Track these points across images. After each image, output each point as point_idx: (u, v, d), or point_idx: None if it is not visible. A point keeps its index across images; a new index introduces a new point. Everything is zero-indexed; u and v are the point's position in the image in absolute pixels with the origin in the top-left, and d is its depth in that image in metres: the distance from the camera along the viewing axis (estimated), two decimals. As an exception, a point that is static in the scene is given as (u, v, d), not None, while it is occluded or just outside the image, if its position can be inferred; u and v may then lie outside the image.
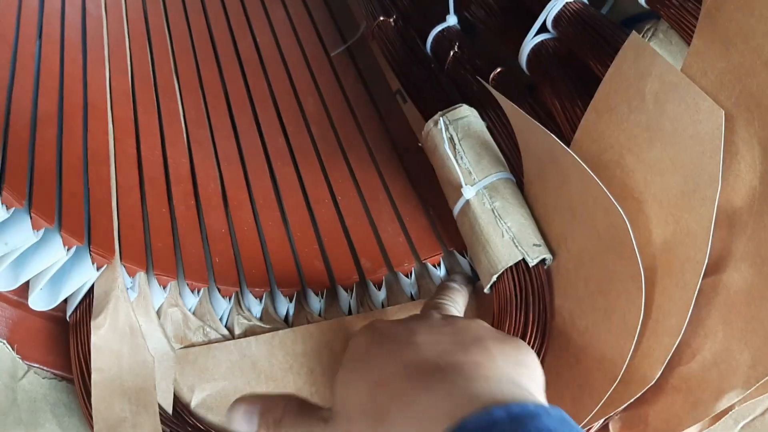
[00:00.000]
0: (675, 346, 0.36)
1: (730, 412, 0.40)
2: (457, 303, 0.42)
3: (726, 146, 0.35)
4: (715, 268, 0.38)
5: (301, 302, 0.48)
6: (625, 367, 0.37)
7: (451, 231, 0.50)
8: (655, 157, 0.36)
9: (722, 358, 0.37)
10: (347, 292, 0.48)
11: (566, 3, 0.43)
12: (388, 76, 0.62)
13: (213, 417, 0.43)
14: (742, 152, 0.34)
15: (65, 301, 0.43)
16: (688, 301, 0.35)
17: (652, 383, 0.37)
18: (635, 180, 0.37)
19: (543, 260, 0.43)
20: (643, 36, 0.40)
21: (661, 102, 0.36)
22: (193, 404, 0.43)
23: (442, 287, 0.44)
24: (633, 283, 0.36)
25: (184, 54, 0.64)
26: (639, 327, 0.36)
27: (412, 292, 0.49)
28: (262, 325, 0.46)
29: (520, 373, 0.30)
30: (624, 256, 0.36)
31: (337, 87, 0.63)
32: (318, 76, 0.64)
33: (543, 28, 0.45)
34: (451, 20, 0.54)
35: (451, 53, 0.51)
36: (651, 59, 0.37)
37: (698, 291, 0.38)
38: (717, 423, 0.42)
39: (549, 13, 0.44)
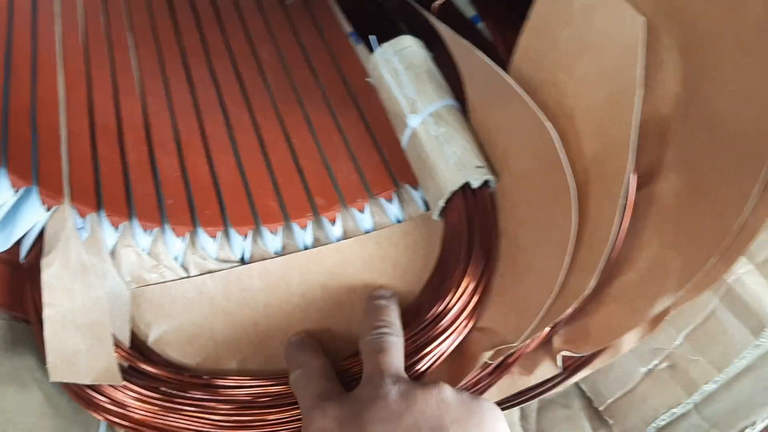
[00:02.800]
0: (606, 256, 0.37)
1: (670, 320, 0.41)
2: (394, 326, 0.41)
3: (651, 56, 0.35)
4: (648, 179, 0.39)
5: (257, 241, 0.48)
6: (560, 279, 0.38)
7: (403, 166, 0.50)
8: (583, 71, 0.37)
9: (656, 265, 0.38)
10: (303, 229, 0.49)
11: (500, -73, 0.43)
12: (341, 20, 0.62)
13: (171, 352, 0.44)
14: (666, 60, 0.35)
15: (19, 244, 0.43)
16: (613, 213, 0.36)
17: (587, 293, 0.37)
18: (567, 96, 0.38)
19: (487, 183, 0.44)
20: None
21: (589, 15, 0.37)
22: (150, 340, 0.44)
23: (373, 310, 0.43)
24: (564, 198, 0.37)
25: (138, 6, 0.64)
26: (573, 239, 0.37)
27: (367, 228, 0.50)
28: (218, 264, 0.47)
29: None
30: (555, 172, 0.37)
31: (291, 34, 0.63)
32: (273, 24, 0.64)
33: (481, -44, 0.45)
34: (397, -44, 0.54)
35: (397, -11, 0.52)
36: (577, -26, 0.37)
37: (634, 203, 0.39)
38: (660, 332, 0.43)
39: (485, -61, 0.44)
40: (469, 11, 0.49)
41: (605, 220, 0.36)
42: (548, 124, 0.36)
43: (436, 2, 0.48)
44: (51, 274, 0.40)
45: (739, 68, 0.30)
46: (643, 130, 0.38)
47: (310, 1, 0.66)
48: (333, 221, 0.49)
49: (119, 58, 0.57)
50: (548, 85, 0.39)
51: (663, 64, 0.35)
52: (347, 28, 0.61)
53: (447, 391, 0.35)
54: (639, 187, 0.39)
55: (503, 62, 0.44)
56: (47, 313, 0.39)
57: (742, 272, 0.41)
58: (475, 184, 0.43)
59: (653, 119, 0.37)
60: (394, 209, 0.50)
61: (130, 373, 0.42)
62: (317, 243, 0.49)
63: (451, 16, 0.48)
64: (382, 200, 0.50)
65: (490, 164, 0.44)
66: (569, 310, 0.38)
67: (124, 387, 0.41)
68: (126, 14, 0.63)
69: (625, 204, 0.36)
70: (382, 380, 0.36)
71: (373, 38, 0.47)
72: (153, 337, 0.44)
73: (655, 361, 0.43)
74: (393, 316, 0.42)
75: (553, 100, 0.39)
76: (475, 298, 0.43)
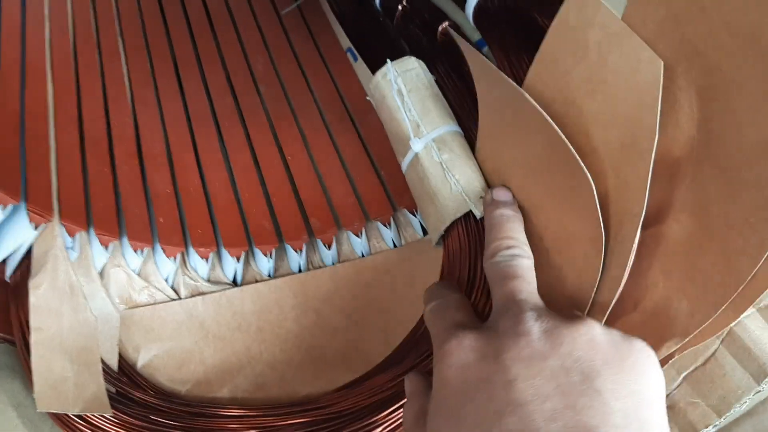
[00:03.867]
0: (615, 299, 0.36)
1: (672, 361, 0.41)
2: (524, 244, 0.37)
3: (666, 96, 0.35)
4: (656, 218, 0.38)
5: (249, 262, 0.47)
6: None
7: (401, 189, 0.49)
8: (596, 110, 0.36)
9: (662, 307, 0.37)
10: (297, 251, 0.47)
11: (512, -45, 0.43)
12: (338, 34, 0.61)
13: (160, 377, 0.43)
14: (681, 101, 0.35)
15: (5, 262, 0.42)
16: (627, 254, 0.35)
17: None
18: (578, 134, 0.37)
19: (490, 214, 0.43)
20: (588, -13, 0.40)
21: (604, 53, 0.36)
22: (139, 365, 0.43)
23: (496, 223, 0.38)
24: (593, 245, 0.36)
25: (129, 14, 0.62)
26: (596, 286, 0.36)
27: (363, 251, 0.49)
28: (209, 285, 0.46)
29: (639, 407, 0.27)
30: (585, 217, 0.36)
31: (287, 46, 0.62)
32: (268, 36, 0.63)
33: (489, -19, 0.45)
34: (400, -25, 0.53)
35: (400, 7, 0.50)
36: (594, 9, 0.36)
37: (640, 242, 0.38)
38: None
39: (495, -34, 0.43)
40: (474, 35, 0.48)
41: (615, 261, 0.36)
42: (585, 168, 0.35)
43: (441, 26, 0.47)
44: (39, 296, 0.38)
45: (758, 118, 0.30)
46: (655, 168, 0.37)
47: (305, 13, 0.65)
48: (328, 245, 0.48)
49: (109, 66, 0.56)
50: (558, 119, 0.38)
51: (677, 104, 0.35)
52: (345, 42, 0.60)
53: (596, 329, 0.30)
54: (646, 226, 0.38)
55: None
56: (34, 338, 0.37)
57: (744, 316, 0.40)
58: (479, 213, 0.43)
59: (664, 159, 0.36)
60: (391, 234, 0.49)
61: (118, 399, 0.40)
62: (311, 265, 0.48)
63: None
64: (379, 224, 0.49)
65: (494, 194, 0.43)
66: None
67: (113, 415, 0.39)
68: (117, 20, 0.61)
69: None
70: (522, 313, 0.31)
71: (388, 64, 0.46)
72: (142, 361, 0.43)
73: (655, 401, 0.42)
74: (520, 231, 0.37)
75: (565, 135, 0.38)
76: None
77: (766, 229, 0.31)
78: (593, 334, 0.30)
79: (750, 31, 0.29)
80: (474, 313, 0.36)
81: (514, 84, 0.38)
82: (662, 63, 0.33)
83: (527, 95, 0.37)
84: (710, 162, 0.34)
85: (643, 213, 0.34)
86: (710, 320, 0.35)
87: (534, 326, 0.30)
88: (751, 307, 0.40)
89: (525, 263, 0.35)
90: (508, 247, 0.36)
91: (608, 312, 0.36)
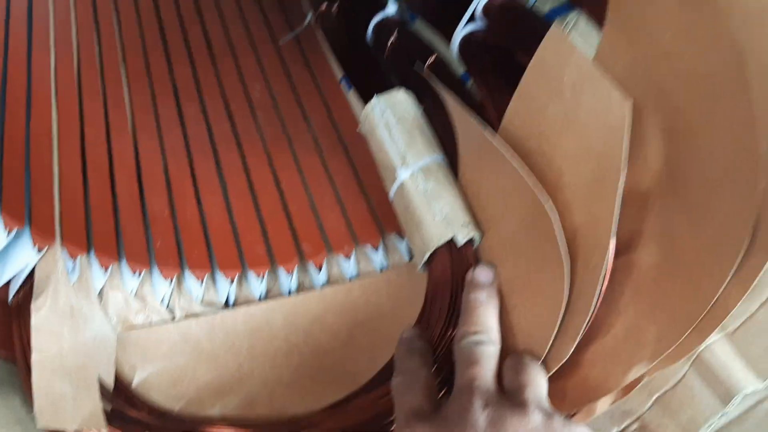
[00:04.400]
0: (585, 325, 0.38)
1: (644, 384, 0.43)
2: (491, 330, 0.40)
3: (635, 132, 0.37)
4: (627, 247, 0.40)
5: (243, 284, 0.49)
6: (549, 346, 0.39)
7: (389, 215, 0.51)
8: (569, 146, 0.38)
9: (632, 333, 0.39)
10: (288, 274, 0.49)
11: (494, -6, 0.45)
12: (333, 64, 0.64)
13: (155, 395, 0.45)
14: (649, 138, 0.37)
15: (8, 284, 0.44)
16: (595, 283, 0.37)
17: (567, 359, 0.39)
18: (552, 168, 0.40)
19: (472, 240, 0.45)
20: (566, 26, 0.42)
21: (577, 93, 0.38)
22: (134, 383, 0.45)
23: (469, 308, 0.41)
24: (557, 269, 0.38)
25: (132, 42, 0.65)
26: (563, 311, 0.39)
27: (352, 274, 0.51)
28: (203, 306, 0.48)
29: None
30: (549, 245, 0.38)
31: (284, 75, 0.64)
32: (266, 64, 0.65)
33: (473, 19, 0.47)
34: (391, 9, 0.56)
35: (390, 42, 0.53)
36: (569, 51, 0.39)
37: (613, 270, 0.40)
38: (633, 395, 0.44)
39: (478, 4, 0.45)
40: (459, 69, 0.50)
41: (585, 289, 0.38)
42: (549, 204, 0.37)
43: (430, 59, 0.49)
44: (40, 318, 0.40)
45: (718, 157, 0.32)
46: (626, 199, 0.39)
47: (302, 43, 0.67)
48: (319, 268, 0.50)
49: (112, 92, 0.58)
50: (534, 154, 0.40)
51: (645, 140, 0.37)
52: (339, 72, 0.62)
53: (536, 417, 0.34)
54: (618, 254, 0.40)
55: (492, 123, 0.46)
56: (35, 358, 0.39)
57: (712, 341, 0.42)
58: (461, 240, 0.45)
59: (634, 191, 0.39)
60: (379, 257, 0.51)
61: (114, 417, 0.42)
62: (302, 288, 0.50)
63: (441, 73, 0.50)
64: (369, 248, 0.51)
65: (477, 222, 0.45)
66: (548, 375, 0.39)
67: (108, 432, 0.41)
68: (120, 48, 0.64)
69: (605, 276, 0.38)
70: (471, 402, 0.35)
71: (376, 97, 0.48)
72: (137, 380, 0.44)
73: (627, 422, 0.44)
74: (490, 318, 0.40)
75: (539, 170, 0.40)
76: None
77: (726, 259, 0.33)
78: (535, 424, 0.34)
79: (707, 76, 0.31)
80: (435, 395, 0.39)
81: (481, 127, 0.40)
82: (630, 104, 0.35)
83: (488, 135, 0.40)
84: (676, 195, 0.36)
85: (611, 244, 0.36)
86: (676, 344, 0.37)
87: (480, 418, 0.34)
88: (718, 332, 0.42)
89: (488, 350, 0.39)
90: (475, 333, 0.39)
91: (579, 337, 0.38)
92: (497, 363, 0.39)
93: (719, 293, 0.34)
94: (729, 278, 0.34)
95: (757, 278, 0.33)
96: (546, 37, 0.40)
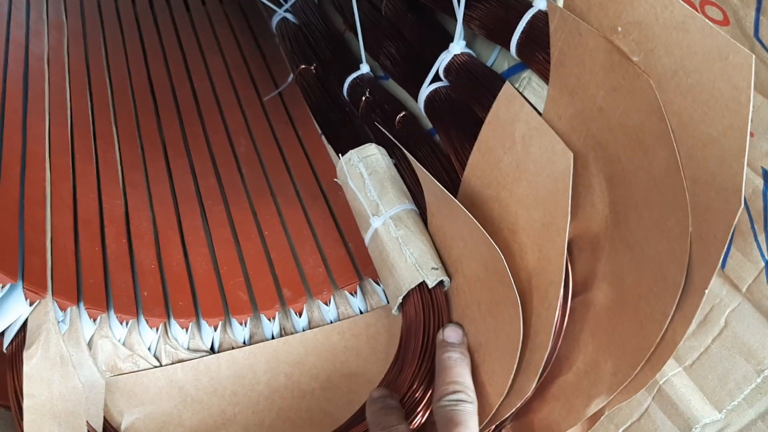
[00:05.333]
0: (545, 360, 0.40)
1: (609, 417, 0.45)
2: (468, 389, 0.42)
3: (582, 180, 0.40)
4: (584, 288, 0.43)
5: (226, 330, 0.51)
6: (509, 381, 0.42)
7: (366, 260, 0.54)
8: (522, 193, 0.41)
9: (591, 367, 0.42)
10: (270, 320, 0.52)
11: (455, 55, 0.49)
12: (314, 119, 0.67)
13: (142, 439, 0.47)
14: (594, 185, 0.40)
15: (2, 335, 0.46)
16: (551, 320, 0.39)
17: (530, 394, 0.41)
18: (509, 213, 0.42)
19: (441, 282, 0.48)
20: (519, 85, 0.46)
21: (527, 145, 0.41)
22: (123, 427, 0.47)
23: (445, 367, 0.43)
24: (512, 309, 0.41)
25: (123, 103, 0.68)
26: (519, 346, 0.41)
27: (332, 318, 0.53)
28: (189, 353, 0.50)
29: None
30: (504, 285, 0.41)
31: (268, 129, 0.68)
32: (251, 120, 0.69)
33: (437, 77, 0.50)
34: (364, 69, 0.59)
35: (363, 98, 0.56)
36: (519, 106, 0.42)
37: (572, 309, 0.43)
38: (600, 429, 0.46)
39: (440, 64, 0.49)
40: (427, 124, 0.54)
41: (543, 326, 0.40)
42: (496, 248, 0.40)
43: (399, 115, 0.53)
44: (32, 365, 0.42)
45: (651, 203, 0.35)
46: (579, 244, 0.42)
47: (286, 100, 0.71)
48: (299, 313, 0.52)
49: (104, 152, 0.61)
50: (493, 201, 0.43)
51: (592, 188, 0.40)
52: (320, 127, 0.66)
53: None
54: (576, 294, 0.43)
55: (456, 172, 0.49)
56: (27, 404, 0.41)
57: (672, 374, 0.44)
58: (431, 283, 0.47)
59: (586, 235, 0.41)
60: (357, 301, 0.53)
61: (101, 461, 0.44)
62: (283, 332, 0.52)
63: (411, 127, 0.53)
64: (347, 293, 0.53)
65: (445, 266, 0.48)
66: (514, 410, 0.42)
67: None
68: (111, 108, 0.67)
69: (561, 313, 0.40)
70: None
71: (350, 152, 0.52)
72: (125, 424, 0.47)
73: (594, 454, 0.46)
74: (466, 375, 0.42)
75: (497, 215, 0.43)
76: (429, 393, 0.46)
77: (667, 300, 0.36)
78: None
79: (635, 129, 0.35)
80: None
81: (435, 182, 0.43)
82: (572, 155, 0.38)
83: (445, 191, 0.43)
84: (620, 239, 0.39)
85: (562, 281, 0.39)
86: (631, 378, 0.39)
87: None
88: (676, 366, 0.45)
89: (467, 409, 0.41)
90: (454, 392, 0.41)
91: (539, 372, 0.40)
92: (477, 423, 0.41)
93: (664, 329, 0.37)
94: (671, 315, 0.36)
95: (696, 315, 0.36)
96: (499, 94, 0.43)
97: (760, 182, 0.36)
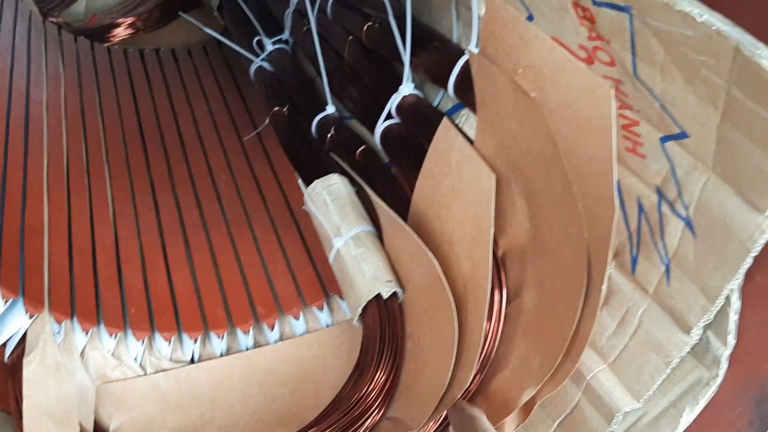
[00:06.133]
0: (479, 355, 0.46)
1: (546, 411, 0.50)
2: None
3: (507, 199, 0.47)
4: (516, 294, 0.49)
5: (205, 343, 0.57)
6: (449, 375, 0.47)
7: (332, 279, 0.60)
8: (456, 211, 0.48)
9: (523, 363, 0.48)
10: (245, 334, 0.58)
11: (404, 96, 0.56)
12: (288, 156, 0.74)
13: (128, 439, 0.52)
14: (517, 204, 0.46)
15: (5, 346, 0.52)
16: (482, 319, 0.45)
17: (468, 385, 0.47)
18: (448, 228, 0.49)
19: (395, 294, 0.54)
20: (459, 120, 0.53)
21: (461, 169, 0.48)
22: (111, 429, 0.52)
23: (467, 421, 0.46)
24: (448, 311, 0.47)
25: (115, 144, 0.75)
26: (456, 345, 0.47)
27: (301, 331, 0.59)
28: (171, 363, 0.56)
29: None
30: (441, 290, 0.47)
31: (247, 166, 0.75)
32: (231, 158, 0.76)
33: (390, 116, 0.57)
34: (330, 109, 0.67)
35: (329, 135, 0.63)
36: (454, 137, 0.49)
37: (508, 313, 0.49)
38: (538, 422, 0.52)
39: (392, 104, 0.56)
40: (384, 158, 0.61)
41: (476, 325, 0.46)
42: (433, 258, 0.46)
43: (360, 149, 0.60)
44: (30, 371, 0.48)
45: (557, 214, 0.41)
46: (511, 255, 0.49)
47: (263, 139, 0.78)
48: (272, 327, 0.58)
49: (96, 188, 0.68)
50: (435, 219, 0.50)
51: (515, 206, 0.46)
52: (293, 162, 0.73)
53: None
54: (510, 300, 0.49)
55: (408, 197, 0.55)
56: (26, 404, 0.47)
57: (597, 371, 0.50)
58: (386, 295, 0.53)
59: (515, 247, 0.48)
60: (324, 316, 0.59)
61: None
62: (257, 344, 0.58)
63: (370, 160, 0.60)
64: (315, 309, 0.59)
65: (398, 279, 0.54)
66: (456, 401, 0.47)
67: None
68: (104, 148, 0.74)
69: (492, 313, 0.46)
70: None
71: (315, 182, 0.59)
72: (114, 426, 0.52)
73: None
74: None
75: (438, 231, 0.49)
76: (385, 390, 0.52)
77: (575, 297, 0.42)
78: None
79: (538, 154, 0.41)
80: None
81: (382, 205, 0.50)
82: (495, 177, 0.45)
83: (390, 212, 0.49)
84: (539, 247, 0.45)
85: (490, 283, 0.45)
86: (553, 369, 0.45)
87: None
88: (602, 362, 0.50)
89: None
90: None
91: (475, 366, 0.46)
92: None
93: (575, 323, 0.43)
94: (579, 312, 0.42)
95: (598, 311, 0.42)
96: (438, 128, 0.50)
97: (655, 198, 0.43)
